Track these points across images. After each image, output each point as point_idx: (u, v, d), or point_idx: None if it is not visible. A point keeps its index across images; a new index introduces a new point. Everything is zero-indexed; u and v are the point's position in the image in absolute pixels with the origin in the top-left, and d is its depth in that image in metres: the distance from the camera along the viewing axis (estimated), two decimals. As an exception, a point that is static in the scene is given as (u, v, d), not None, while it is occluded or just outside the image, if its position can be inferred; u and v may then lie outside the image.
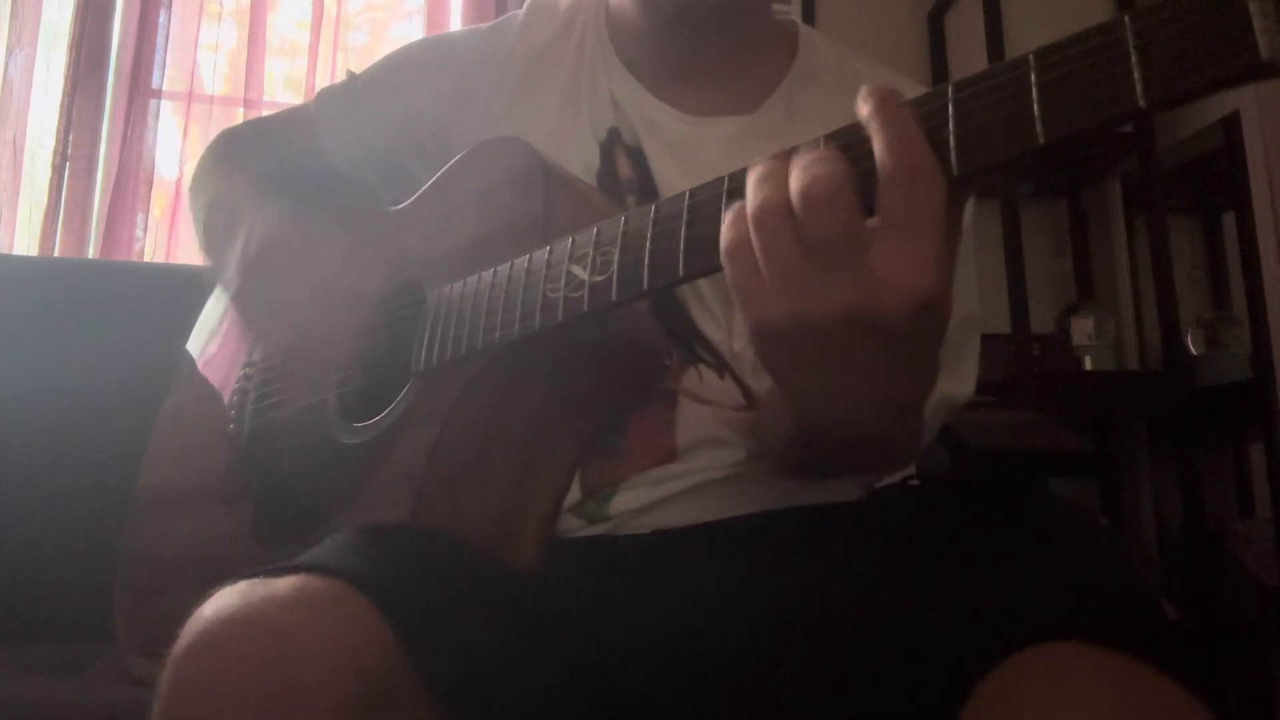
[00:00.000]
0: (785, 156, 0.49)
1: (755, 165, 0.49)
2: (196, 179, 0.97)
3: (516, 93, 0.86)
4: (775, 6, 0.91)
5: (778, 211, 0.47)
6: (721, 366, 0.77)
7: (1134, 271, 2.24)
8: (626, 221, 0.58)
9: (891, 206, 0.45)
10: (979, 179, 0.45)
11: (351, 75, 0.96)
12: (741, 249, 0.48)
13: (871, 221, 0.46)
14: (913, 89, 0.86)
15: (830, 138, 0.49)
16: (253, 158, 0.96)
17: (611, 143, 0.82)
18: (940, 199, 0.44)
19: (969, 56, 2.25)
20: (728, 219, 0.49)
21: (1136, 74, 0.40)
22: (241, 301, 0.85)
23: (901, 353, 0.48)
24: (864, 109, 0.46)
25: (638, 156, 0.82)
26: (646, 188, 0.80)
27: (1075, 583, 0.57)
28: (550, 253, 0.62)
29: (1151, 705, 0.48)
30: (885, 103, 0.46)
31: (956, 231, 0.47)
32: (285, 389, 0.82)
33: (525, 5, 0.92)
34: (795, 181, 0.46)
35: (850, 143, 0.47)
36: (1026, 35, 2.02)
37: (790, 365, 0.51)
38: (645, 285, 0.56)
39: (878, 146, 0.45)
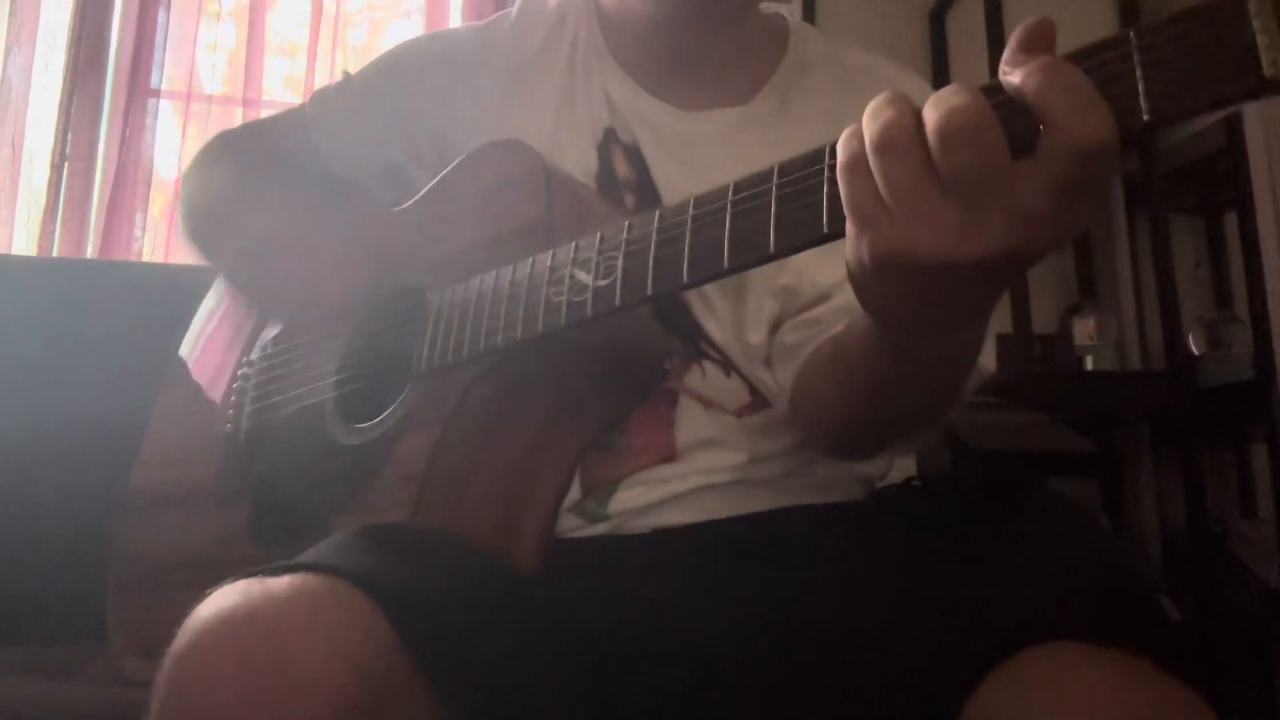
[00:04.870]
0: (800, 165, 0.48)
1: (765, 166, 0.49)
2: (188, 173, 0.97)
3: (510, 92, 0.85)
4: (775, 6, 0.91)
5: (903, 137, 0.44)
6: (727, 364, 0.77)
7: (1136, 271, 2.23)
8: (630, 228, 0.58)
9: (1059, 167, 0.42)
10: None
11: (347, 76, 0.96)
12: (858, 167, 0.46)
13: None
14: (908, 76, 0.87)
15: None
16: (248, 156, 0.96)
17: (608, 142, 0.82)
18: (1115, 134, 0.41)
19: (969, 56, 2.25)
20: (841, 142, 0.47)
21: (1141, 89, 0.40)
22: (241, 293, 0.85)
23: (1002, 289, 0.49)
24: (1015, 75, 0.43)
25: (634, 154, 0.82)
26: (644, 185, 0.80)
27: (1077, 583, 0.56)
28: (553, 257, 0.62)
29: (1154, 704, 0.48)
30: (1053, 63, 0.42)
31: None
32: (283, 389, 0.82)
33: (516, 3, 0.92)
34: (933, 112, 0.43)
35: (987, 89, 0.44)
36: (1027, 34, 2.02)
37: (895, 298, 0.49)
38: (650, 290, 0.56)
39: (1035, 83, 0.42)
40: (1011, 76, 0.43)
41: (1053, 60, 0.42)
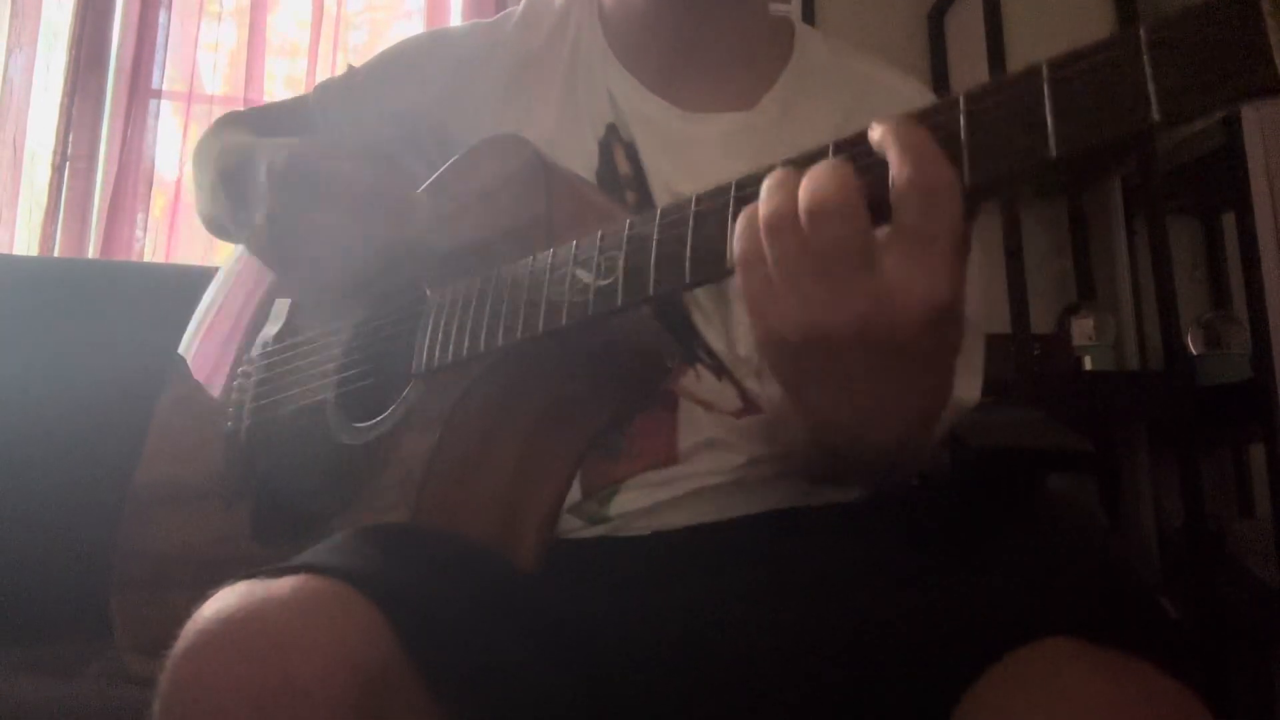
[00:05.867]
0: (798, 165, 0.48)
1: (770, 173, 0.49)
2: (199, 148, 0.96)
3: (513, 89, 0.86)
4: (774, 5, 0.91)
5: (788, 220, 0.47)
6: (719, 369, 0.77)
7: (1134, 271, 2.23)
8: (631, 226, 0.57)
9: (906, 218, 0.45)
10: (991, 193, 0.45)
11: (351, 69, 0.97)
12: (754, 257, 0.48)
13: (880, 232, 0.46)
14: (909, 85, 0.87)
15: (839, 146, 0.48)
16: (255, 128, 0.96)
17: (610, 139, 0.82)
18: (957, 212, 0.44)
19: (969, 56, 2.25)
20: (740, 226, 0.49)
21: (1151, 88, 0.39)
22: (279, 205, 0.79)
23: (915, 368, 0.49)
24: (876, 131, 0.46)
25: (633, 152, 0.82)
26: (641, 184, 0.80)
27: (1074, 580, 0.57)
28: (554, 255, 0.62)
29: (1149, 702, 0.48)
30: (900, 121, 0.46)
31: (968, 244, 0.47)
32: (284, 387, 0.82)
33: (521, 1, 0.92)
34: (803, 193, 0.46)
35: (859, 152, 0.47)
36: (1027, 35, 2.01)
37: (801, 378, 0.51)
38: (651, 291, 0.55)
39: (893, 159, 0.45)
40: (872, 133, 0.46)
41: (898, 116, 0.46)
